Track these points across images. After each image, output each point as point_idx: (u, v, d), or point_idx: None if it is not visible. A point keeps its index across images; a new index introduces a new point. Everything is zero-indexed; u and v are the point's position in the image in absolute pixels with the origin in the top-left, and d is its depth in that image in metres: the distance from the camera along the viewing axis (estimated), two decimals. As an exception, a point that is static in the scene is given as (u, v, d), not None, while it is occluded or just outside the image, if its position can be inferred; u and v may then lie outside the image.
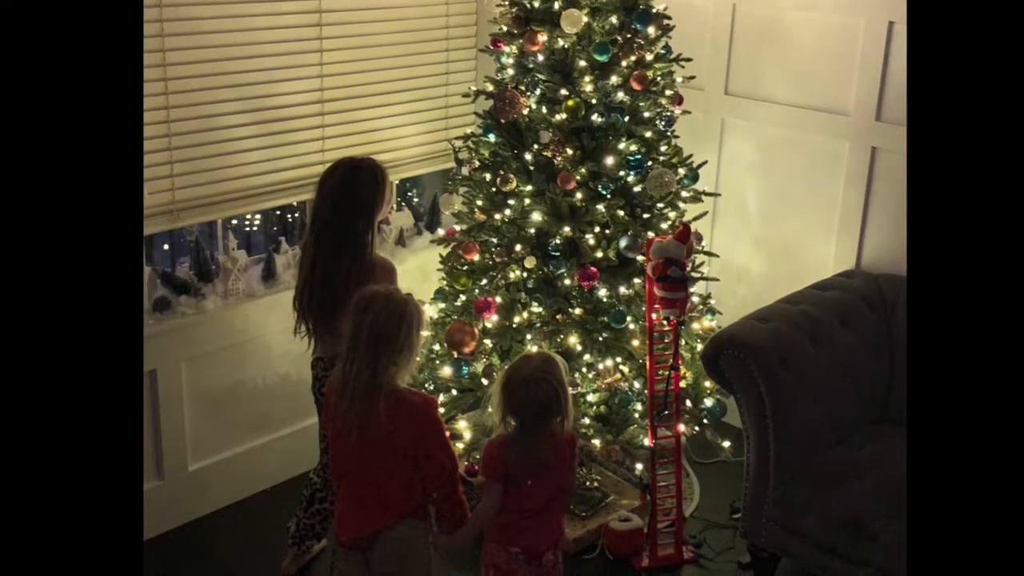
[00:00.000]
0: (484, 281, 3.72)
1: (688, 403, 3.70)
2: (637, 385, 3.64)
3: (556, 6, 3.58)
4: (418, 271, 4.26)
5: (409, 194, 5.02)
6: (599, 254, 3.60)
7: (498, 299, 3.64)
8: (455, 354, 3.60)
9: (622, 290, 3.63)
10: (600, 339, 3.58)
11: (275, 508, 3.86)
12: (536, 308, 3.63)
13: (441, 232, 4.04)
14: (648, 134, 3.68)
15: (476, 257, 3.72)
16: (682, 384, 3.63)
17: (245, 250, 4.03)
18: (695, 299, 3.80)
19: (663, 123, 3.72)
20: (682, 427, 3.60)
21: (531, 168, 3.66)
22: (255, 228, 5.12)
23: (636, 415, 3.63)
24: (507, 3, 3.71)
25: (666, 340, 3.51)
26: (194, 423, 3.77)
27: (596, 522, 3.74)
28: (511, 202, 3.68)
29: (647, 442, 3.57)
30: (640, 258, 3.57)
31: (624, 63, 3.60)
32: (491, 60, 3.91)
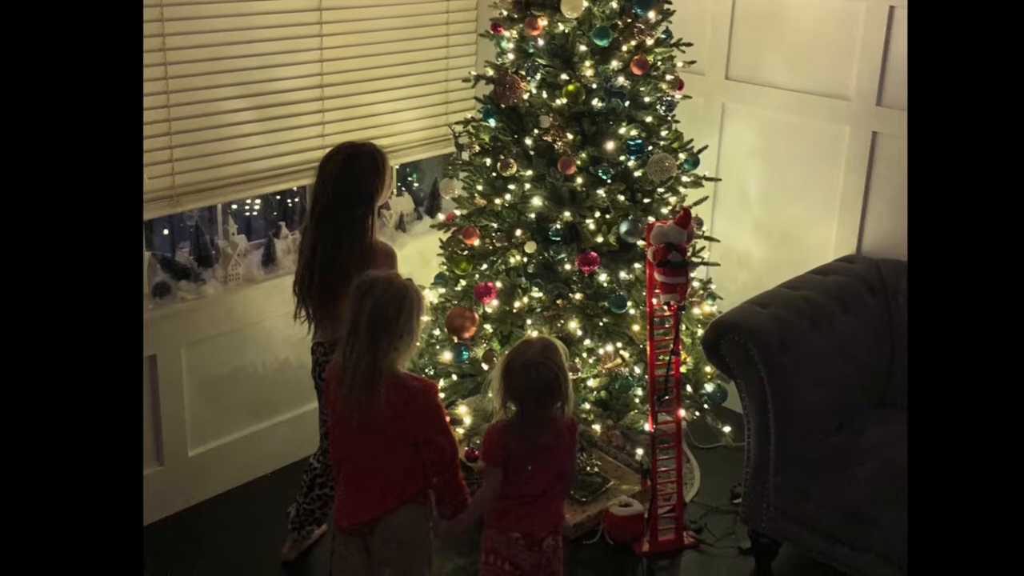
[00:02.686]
0: (484, 266, 3.71)
1: (689, 388, 3.71)
2: (637, 370, 3.64)
3: (556, -10, 3.57)
4: (418, 256, 4.25)
5: (409, 179, 5.01)
6: (599, 239, 3.60)
7: (498, 284, 3.64)
8: (455, 339, 3.60)
9: (622, 275, 3.63)
10: (600, 324, 3.58)
11: (275, 493, 3.87)
12: (536, 293, 3.63)
13: (441, 217, 4.04)
14: (649, 119, 3.67)
15: (476, 242, 3.71)
16: (683, 369, 3.63)
17: (245, 235, 4.02)
18: (696, 284, 3.80)
19: (663, 108, 3.70)
20: (683, 412, 3.61)
21: (531, 153, 3.65)
22: (255, 213, 5.11)
23: (636, 400, 3.64)
24: (507, -13, 3.69)
25: (667, 325, 3.51)
26: (194, 408, 3.77)
27: (596, 507, 3.74)
28: (511, 187, 3.67)
29: (648, 427, 3.57)
30: (641, 243, 3.57)
31: (624, 48, 3.59)
32: (491, 45, 3.90)
